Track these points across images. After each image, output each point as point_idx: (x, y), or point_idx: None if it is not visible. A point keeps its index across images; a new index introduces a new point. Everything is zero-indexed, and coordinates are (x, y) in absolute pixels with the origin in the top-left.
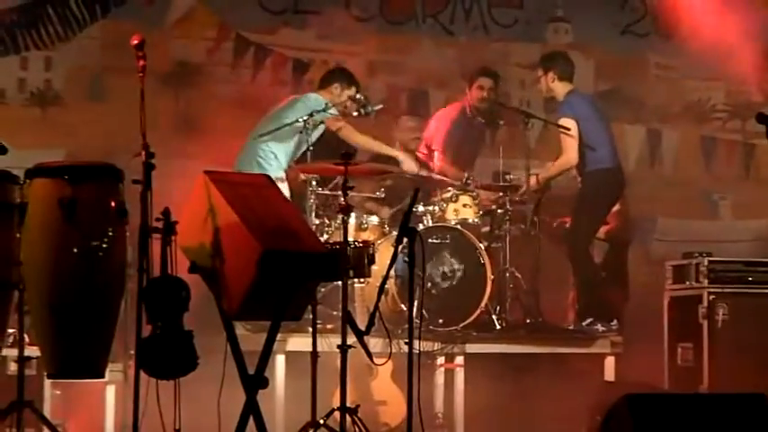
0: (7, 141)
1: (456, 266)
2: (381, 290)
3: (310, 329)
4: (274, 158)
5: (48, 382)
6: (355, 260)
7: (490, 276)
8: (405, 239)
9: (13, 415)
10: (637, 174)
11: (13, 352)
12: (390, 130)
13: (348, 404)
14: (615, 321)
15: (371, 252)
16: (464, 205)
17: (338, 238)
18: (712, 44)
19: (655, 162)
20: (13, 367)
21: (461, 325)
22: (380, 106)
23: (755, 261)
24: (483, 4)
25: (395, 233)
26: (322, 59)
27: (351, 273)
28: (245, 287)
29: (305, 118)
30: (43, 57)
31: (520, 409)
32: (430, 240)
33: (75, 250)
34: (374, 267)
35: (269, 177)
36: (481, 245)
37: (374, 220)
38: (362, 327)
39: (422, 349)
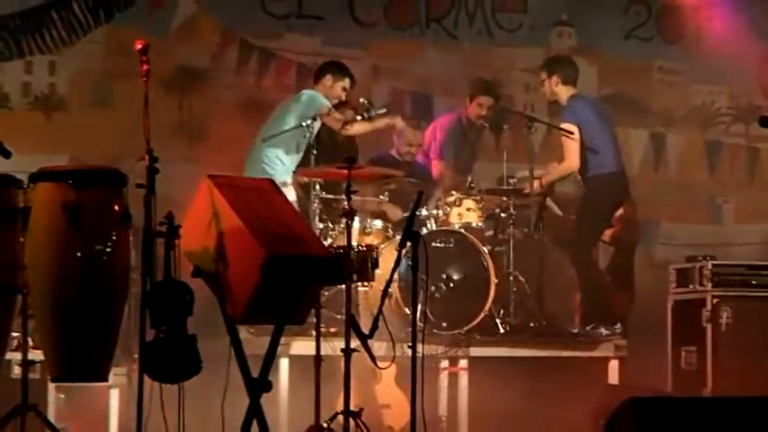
0: (11, 146)
1: (460, 270)
2: (385, 294)
3: (314, 333)
4: (279, 163)
5: (52, 386)
6: (359, 264)
7: (494, 280)
8: (408, 243)
9: (17, 419)
10: (641, 178)
11: (17, 356)
12: (390, 134)
13: (352, 408)
14: (619, 325)
15: (375, 256)
16: (468, 209)
17: (342, 242)
18: (716, 48)
19: (659, 166)
20: (16, 371)
21: (465, 328)
22: (384, 110)
23: (759, 264)
24: (487, 9)
25: (398, 237)
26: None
27: (354, 277)
28: (250, 292)
29: (308, 122)
30: (47, 61)
31: (524, 412)
32: (433, 244)
33: (79, 254)
34: (378, 271)
35: (273, 182)
36: (485, 249)
37: (378, 224)
38: (366, 330)
39: (425, 353)
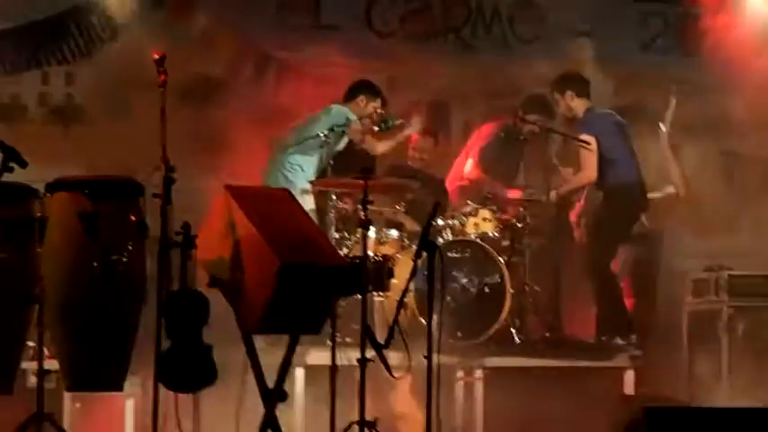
0: (28, 156)
1: (475, 280)
2: (401, 303)
3: (329, 343)
4: (300, 171)
5: (67, 396)
6: (375, 274)
7: (510, 290)
8: (424, 253)
9: (32, 428)
10: (658, 188)
11: (33, 365)
12: (405, 146)
13: (367, 418)
14: (634, 335)
15: (391, 266)
16: (484, 219)
17: (358, 251)
18: (732, 59)
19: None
20: (32, 380)
21: (481, 339)
22: (400, 121)
23: None
24: (504, 20)
25: (414, 247)
26: (343, 74)
27: (370, 287)
28: (265, 301)
29: (325, 132)
30: (64, 72)
31: (539, 422)
32: (449, 254)
33: (96, 264)
34: (393, 281)
35: (289, 192)
36: (501, 259)
37: (394, 233)
38: (382, 340)
39: (441, 363)
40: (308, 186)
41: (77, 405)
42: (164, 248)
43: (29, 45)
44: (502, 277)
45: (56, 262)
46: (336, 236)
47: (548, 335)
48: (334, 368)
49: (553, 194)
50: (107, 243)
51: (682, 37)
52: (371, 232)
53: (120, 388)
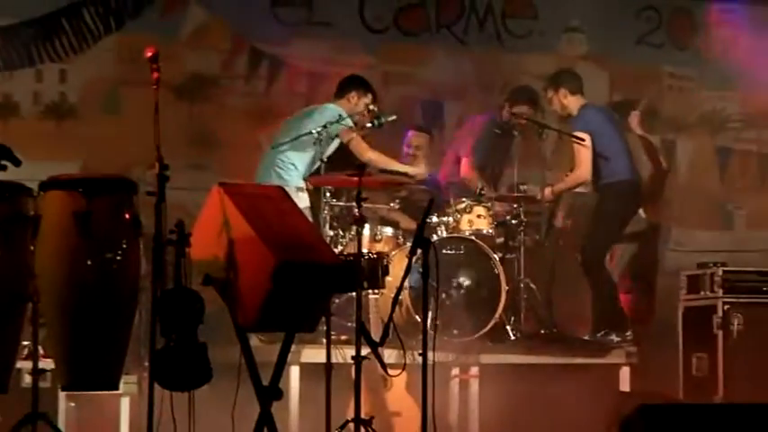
0: (22, 154)
1: (470, 277)
2: (395, 301)
3: (324, 341)
4: (294, 168)
5: (62, 395)
6: (369, 271)
7: (504, 287)
8: (419, 250)
9: (27, 427)
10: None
11: (28, 364)
12: (399, 142)
13: (362, 416)
14: (630, 332)
15: (385, 263)
16: (478, 216)
17: (352, 249)
18: (727, 54)
19: (669, 172)
20: (27, 380)
21: (476, 336)
22: (393, 118)
23: None
24: (497, 15)
25: (409, 244)
26: (336, 71)
27: (365, 284)
28: (260, 299)
29: (318, 129)
30: (58, 69)
31: (535, 419)
32: (444, 251)
33: (90, 263)
34: (388, 278)
35: (283, 189)
36: (496, 256)
37: (388, 231)
38: (377, 338)
39: (436, 360)
40: (302, 184)
41: (72, 404)
42: (158, 246)
43: (22, 42)
44: (497, 274)
45: (49, 260)
46: (331, 233)
47: (543, 331)
48: (329, 366)
49: (548, 191)
50: (101, 241)
51: (676, 31)
52: (366, 229)
53: (115, 387)
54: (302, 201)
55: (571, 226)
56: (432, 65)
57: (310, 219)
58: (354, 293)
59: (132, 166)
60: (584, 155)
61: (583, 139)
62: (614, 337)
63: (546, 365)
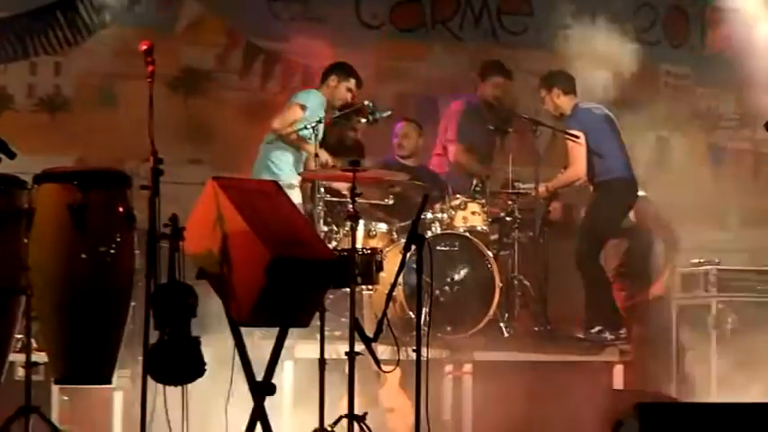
0: (16, 147)
1: (464, 274)
2: (389, 297)
3: (318, 336)
4: (286, 164)
5: (55, 388)
6: (363, 267)
7: (498, 284)
8: (413, 246)
9: (20, 421)
10: (646, 181)
11: (21, 357)
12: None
13: (356, 411)
14: (624, 330)
15: (379, 259)
16: (473, 213)
17: (346, 245)
18: (722, 52)
19: (664, 170)
20: (20, 373)
21: (470, 332)
22: (389, 113)
23: (764, 270)
24: (492, 12)
25: (403, 240)
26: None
27: (359, 280)
28: (254, 294)
29: (313, 124)
30: (52, 62)
31: (528, 416)
32: (438, 248)
33: (84, 256)
34: (382, 274)
35: (277, 184)
36: (490, 252)
37: (382, 227)
38: (370, 334)
39: (430, 356)
40: (295, 181)
41: (65, 398)
42: (152, 240)
43: (16, 35)
44: (491, 271)
45: (43, 254)
46: (325, 229)
47: (537, 329)
48: (322, 361)
49: (542, 188)
50: (95, 235)
51: (671, 30)
52: (360, 225)
53: (108, 381)
54: (294, 197)
55: (566, 219)
56: (427, 61)
57: (304, 214)
58: (348, 289)
59: (126, 159)
60: (578, 152)
61: (577, 137)
62: (608, 335)
63: (539, 363)
